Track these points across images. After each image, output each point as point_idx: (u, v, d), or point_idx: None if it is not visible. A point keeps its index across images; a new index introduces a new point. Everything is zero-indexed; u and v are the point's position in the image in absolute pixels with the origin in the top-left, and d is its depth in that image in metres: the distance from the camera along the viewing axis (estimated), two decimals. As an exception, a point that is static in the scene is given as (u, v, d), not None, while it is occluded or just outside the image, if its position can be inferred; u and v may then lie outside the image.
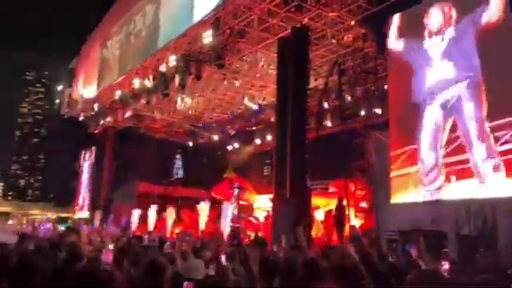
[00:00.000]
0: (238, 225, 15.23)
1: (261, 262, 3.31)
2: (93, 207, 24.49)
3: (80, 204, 27.57)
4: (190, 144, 26.09)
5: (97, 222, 21.94)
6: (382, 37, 12.14)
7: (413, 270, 3.64)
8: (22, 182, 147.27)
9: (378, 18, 12.18)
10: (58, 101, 26.78)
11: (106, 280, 1.95)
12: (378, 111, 14.83)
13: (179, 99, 20.24)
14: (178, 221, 20.85)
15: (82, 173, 27.97)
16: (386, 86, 12.83)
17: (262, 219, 18.60)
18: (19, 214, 50.34)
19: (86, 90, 22.35)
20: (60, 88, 26.46)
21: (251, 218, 18.45)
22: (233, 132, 23.22)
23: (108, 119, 21.84)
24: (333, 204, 14.68)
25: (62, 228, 26.12)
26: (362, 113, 15.80)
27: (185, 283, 3.24)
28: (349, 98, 16.05)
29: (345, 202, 13.55)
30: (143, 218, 20.62)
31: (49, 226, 19.63)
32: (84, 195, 26.81)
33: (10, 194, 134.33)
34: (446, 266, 5.71)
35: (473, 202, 8.98)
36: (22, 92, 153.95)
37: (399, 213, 11.00)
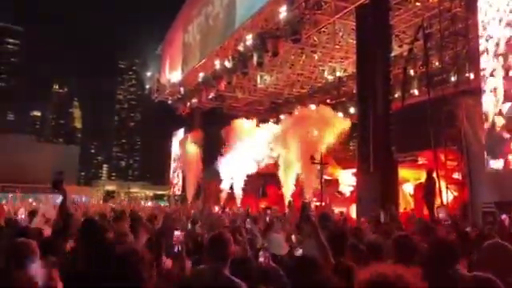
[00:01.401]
0: (307, 200, 15.24)
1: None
2: (184, 185, 26.07)
3: (174, 182, 29.58)
4: (271, 121, 26.39)
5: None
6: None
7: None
8: (123, 163, 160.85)
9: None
10: (148, 86, 28.68)
11: None
12: (469, 76, 13.69)
13: (258, 77, 20.53)
14: (263, 196, 21.47)
15: (174, 153, 29.88)
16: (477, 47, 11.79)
17: (347, 194, 18.42)
18: (122, 191, 55.42)
19: (172, 74, 23.62)
20: (149, 74, 28.26)
21: (336, 193, 18.35)
22: (314, 106, 23.00)
23: (194, 101, 22.92)
24: (423, 176, 14.05)
25: (162, 204, 28.37)
26: (452, 79, 14.70)
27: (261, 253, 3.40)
28: (436, 63, 15.02)
29: (435, 174, 12.88)
30: (231, 195, 21.52)
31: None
32: (177, 174, 28.66)
33: (114, 174, 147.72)
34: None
35: None
36: (116, 80, 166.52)
37: (496, 183, 10.25)
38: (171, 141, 30.84)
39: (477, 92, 11.01)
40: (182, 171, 26.71)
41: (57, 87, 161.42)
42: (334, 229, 3.93)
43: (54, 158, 34.61)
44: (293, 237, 4.58)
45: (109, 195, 45.54)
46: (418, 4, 13.61)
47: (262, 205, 19.26)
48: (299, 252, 3.84)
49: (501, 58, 9.81)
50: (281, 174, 17.72)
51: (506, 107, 9.59)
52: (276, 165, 18.21)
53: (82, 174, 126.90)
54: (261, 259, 3.58)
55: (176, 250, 3.46)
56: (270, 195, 20.78)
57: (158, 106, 29.69)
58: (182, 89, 22.84)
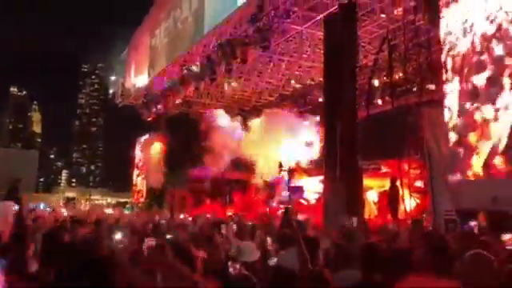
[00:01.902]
0: (289, 206, 15.30)
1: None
2: (148, 193, 25.51)
3: (137, 189, 28.87)
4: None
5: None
6: (433, 8, 11.53)
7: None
8: (84, 170, 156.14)
9: (430, -12, 11.56)
10: (112, 90, 27.97)
11: None
12: (432, 87, 14.15)
13: (226, 84, 20.44)
14: (230, 203, 21.30)
15: (138, 159, 29.19)
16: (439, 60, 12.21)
17: (312, 201, 18.56)
18: (82, 198, 53.65)
19: (138, 78, 23.13)
20: (113, 78, 27.58)
21: (302, 200, 18.45)
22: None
23: (159, 106, 22.52)
24: (386, 184, 14.34)
25: (126, 212, 27.62)
26: (415, 89, 15.14)
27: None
28: (400, 74, 15.43)
29: (398, 182, 13.17)
30: (196, 201, 21.23)
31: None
32: (140, 181, 28.00)
33: (74, 180, 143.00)
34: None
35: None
36: (78, 84, 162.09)
37: (457, 191, 10.56)
38: (135, 147, 30.15)
39: (439, 102, 11.37)
40: (146, 178, 26.14)
41: (15, 90, 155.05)
42: (309, 236, 3.89)
43: (11, 164, 33.05)
44: (269, 244, 4.50)
45: (69, 202, 43.93)
46: (382, 16, 13.96)
47: (229, 212, 19.10)
48: (273, 261, 3.76)
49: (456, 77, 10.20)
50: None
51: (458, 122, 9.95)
52: (246, 170, 18.12)
53: (41, 180, 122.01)
54: (230, 269, 3.49)
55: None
56: (237, 202, 20.65)
57: (121, 111, 28.99)
58: (147, 94, 22.39)
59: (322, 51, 14.35)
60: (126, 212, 27.90)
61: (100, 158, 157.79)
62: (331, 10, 13.07)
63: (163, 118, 25.16)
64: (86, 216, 13.01)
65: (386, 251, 3.12)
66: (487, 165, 9.18)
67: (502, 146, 8.86)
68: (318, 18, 13.77)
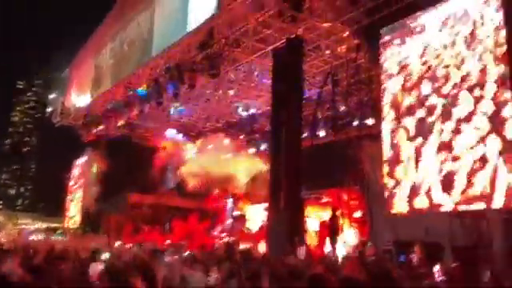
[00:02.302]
0: (233, 238, 15.07)
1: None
2: (83, 218, 24.15)
3: (70, 214, 27.19)
4: (183, 153, 25.92)
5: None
6: (374, 48, 12.24)
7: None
8: (12, 192, 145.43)
9: (371, 30, 12.30)
10: (50, 109, 26.56)
11: None
12: (371, 122, 14.88)
13: (172, 108, 20.18)
14: (169, 232, 20.65)
15: (73, 182, 27.66)
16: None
17: (255, 229, 18.46)
18: (9, 223, 49.60)
19: (79, 98, 22.21)
20: (52, 96, 26.26)
21: (244, 229, 18.30)
22: (227, 141, 23.13)
23: (100, 128, 21.66)
24: (327, 214, 14.63)
25: (56, 238, 25.84)
26: (355, 123, 15.84)
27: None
28: (342, 108, 16.10)
29: (338, 212, 13.50)
30: (135, 229, 20.38)
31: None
32: (75, 205, 26.45)
33: (1, 203, 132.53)
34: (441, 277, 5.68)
35: (468, 214, 8.96)
36: (12, 101, 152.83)
37: (394, 223, 10.98)
38: (70, 169, 28.58)
39: (377, 137, 11.92)
40: (82, 202, 24.77)
41: None
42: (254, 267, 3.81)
43: None
44: (212, 276, 4.35)
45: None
46: (327, 52, 14.59)
47: (168, 240, 18.46)
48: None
49: (391, 111, 10.83)
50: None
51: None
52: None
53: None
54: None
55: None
56: (177, 231, 20.03)
57: (58, 131, 27.54)
58: (88, 114, 21.51)
59: (269, 81, 14.63)
60: (58, 238, 26.15)
61: (31, 179, 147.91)
62: (279, 43, 13.46)
63: (103, 140, 24.20)
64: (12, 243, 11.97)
65: (333, 281, 3.11)
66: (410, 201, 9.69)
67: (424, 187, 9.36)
68: (267, 49, 14.11)
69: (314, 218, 16.12)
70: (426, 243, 8.87)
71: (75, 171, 27.55)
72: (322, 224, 15.38)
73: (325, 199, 16.60)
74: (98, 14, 21.27)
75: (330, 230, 13.65)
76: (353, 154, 14.47)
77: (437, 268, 6.20)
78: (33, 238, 25.66)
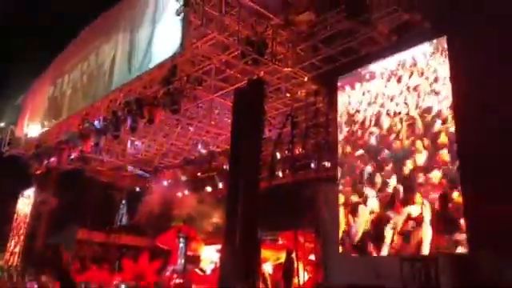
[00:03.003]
0: (184, 280, 14.55)
1: None
2: (26, 254, 22.60)
3: (11, 250, 25.38)
4: (138, 189, 25.23)
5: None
6: (332, 94, 12.72)
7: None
8: None
9: (330, 76, 12.84)
10: (-1, 138, 25.30)
11: None
12: (327, 164, 15.19)
13: (129, 142, 19.78)
14: (119, 270, 19.72)
15: (19, 216, 26.04)
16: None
17: (208, 271, 17.96)
18: None
19: (31, 128, 21.34)
20: (2, 125, 25.09)
21: (197, 270, 17.77)
22: (184, 178, 22.80)
23: (52, 160, 20.77)
24: (282, 256, 14.50)
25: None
26: (312, 165, 16.11)
27: None
28: (300, 150, 16.38)
29: (294, 254, 13.41)
30: (82, 266, 19.31)
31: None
32: (18, 240, 24.78)
33: None
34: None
35: (417, 257, 9.16)
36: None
37: (347, 266, 11.02)
38: (16, 202, 26.97)
39: (333, 180, 12.15)
40: (26, 237, 23.25)
41: None
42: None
43: None
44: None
45: None
46: (288, 95, 14.98)
47: (116, 280, 17.57)
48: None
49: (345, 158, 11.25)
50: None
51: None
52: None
53: None
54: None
55: None
56: (127, 269, 19.15)
57: (5, 161, 26.13)
58: (40, 145, 20.64)
59: (229, 120, 14.73)
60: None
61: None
62: (241, 83, 13.70)
63: (55, 173, 23.17)
64: None
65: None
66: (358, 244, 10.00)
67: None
68: (229, 89, 14.30)
69: (270, 260, 15.95)
70: (374, 287, 8.93)
71: (21, 203, 26.02)
72: (277, 267, 15.21)
73: (281, 241, 16.50)
74: (59, 41, 20.89)
75: (284, 272, 13.50)
76: (309, 196, 14.62)
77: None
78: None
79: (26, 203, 25.37)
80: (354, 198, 10.54)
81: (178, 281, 15.45)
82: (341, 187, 11.02)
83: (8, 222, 27.43)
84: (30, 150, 21.58)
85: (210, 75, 14.16)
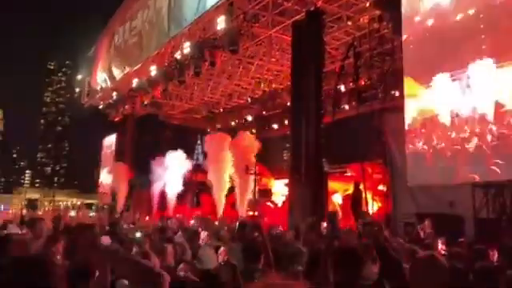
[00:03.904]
0: (257, 213, 15.32)
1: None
2: (113, 194, 24.99)
3: (103, 191, 28.24)
4: (209, 130, 26.26)
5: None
6: (397, 18, 11.88)
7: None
8: (48, 170, 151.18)
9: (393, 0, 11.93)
10: (78, 89, 27.28)
11: None
12: (395, 93, 14.59)
13: (195, 86, 20.36)
14: (197, 205, 21.19)
15: (104, 160, 28.60)
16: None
17: (280, 204, 18.71)
18: (46, 200, 51.94)
19: (105, 78, 22.65)
20: (80, 77, 26.89)
21: (269, 203, 18.57)
22: (250, 117, 23.24)
23: (127, 107, 22.14)
24: (350, 188, 14.65)
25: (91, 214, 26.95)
26: (379, 95, 15.55)
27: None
28: (365, 80, 15.82)
29: (362, 186, 13.47)
30: (162, 205, 21.00)
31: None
32: (106, 182, 27.41)
33: (38, 181, 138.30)
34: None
35: (491, 185, 8.82)
36: (44, 81, 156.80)
37: (417, 196, 10.92)
38: (101, 147, 29.51)
39: (401, 109, 11.72)
40: (113, 179, 25.60)
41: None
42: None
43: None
44: (221, 250, 4.53)
45: (31, 204, 42.44)
46: (349, 23, 14.27)
47: (195, 214, 18.98)
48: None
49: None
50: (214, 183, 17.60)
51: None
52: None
53: (2, 180, 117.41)
54: (180, 273, 3.52)
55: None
56: (204, 204, 20.54)
57: (88, 111, 28.32)
58: (114, 94, 21.97)
59: (290, 55, 14.51)
60: (92, 214, 27.30)
61: (66, 158, 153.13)
62: (299, 15, 13.25)
63: (131, 119, 24.76)
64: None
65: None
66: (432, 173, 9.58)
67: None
68: (287, 23, 13.92)
69: (339, 192, 16.19)
70: (447, 216, 8.81)
71: (105, 149, 28.42)
72: (346, 197, 15.43)
73: (349, 173, 16.57)
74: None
75: (353, 203, 13.69)
76: (376, 126, 14.31)
77: (440, 241, 6.15)
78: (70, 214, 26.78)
79: (108, 149, 27.65)
80: (428, 123, 9.97)
81: (250, 213, 16.34)
82: (411, 114, 10.49)
83: (97, 166, 30.31)
84: (107, 99, 23.10)
85: (266, 10, 13.84)
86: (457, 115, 9.28)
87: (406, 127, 10.54)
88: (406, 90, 10.87)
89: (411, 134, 10.28)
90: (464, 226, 8.96)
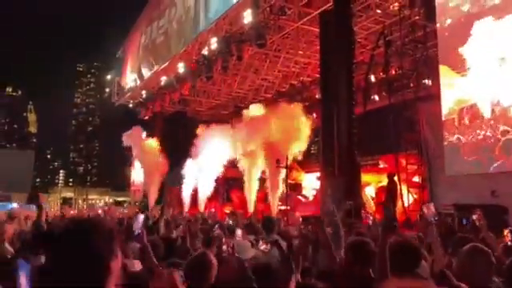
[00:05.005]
0: (288, 206, 15.24)
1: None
2: (145, 191, 25.40)
3: (134, 189, 28.76)
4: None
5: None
6: (429, 3, 11.51)
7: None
8: (81, 169, 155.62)
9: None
10: (108, 90, 27.84)
11: None
12: (428, 82, 14.17)
13: (222, 82, 20.40)
14: (228, 201, 21.28)
15: (134, 158, 29.04)
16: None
17: (311, 197, 18.57)
18: (80, 198, 53.49)
19: (134, 77, 23.01)
20: (109, 77, 27.43)
21: (300, 197, 18.46)
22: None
23: (156, 105, 22.43)
24: (384, 180, 14.36)
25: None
26: (411, 84, 15.14)
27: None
28: (396, 70, 15.44)
29: (396, 178, 13.18)
30: (193, 199, 21.19)
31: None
32: (137, 180, 27.87)
33: (71, 180, 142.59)
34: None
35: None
36: (74, 83, 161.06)
37: (455, 186, 10.58)
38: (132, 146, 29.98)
39: (436, 98, 11.37)
40: (144, 176, 26.02)
41: (10, 90, 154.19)
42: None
43: (6, 164, 32.91)
44: (260, 244, 4.51)
45: (66, 202, 43.80)
46: (378, 11, 13.93)
47: (227, 210, 19.07)
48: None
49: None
50: (245, 177, 17.55)
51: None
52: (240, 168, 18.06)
53: (38, 180, 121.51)
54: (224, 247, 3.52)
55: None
56: (235, 200, 20.62)
57: (118, 110, 28.87)
58: (143, 92, 22.29)
59: (318, 47, 14.30)
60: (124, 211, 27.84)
61: (97, 157, 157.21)
62: (327, 6, 13.02)
63: (160, 117, 25.07)
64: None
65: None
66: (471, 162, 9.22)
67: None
68: (314, 14, 13.71)
69: (372, 184, 15.91)
70: (489, 206, 8.48)
71: (134, 148, 28.87)
72: (380, 190, 15.15)
73: (382, 165, 16.25)
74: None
75: (388, 196, 13.41)
76: (409, 117, 13.96)
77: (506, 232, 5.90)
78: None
79: (139, 148, 28.04)
80: (466, 111, 9.61)
81: (282, 207, 16.27)
82: (447, 102, 10.13)
83: (128, 164, 30.83)
84: (136, 98, 23.46)
85: (293, 2, 13.68)
86: (497, 104, 8.93)
87: (443, 118, 10.24)
88: (442, 79, 10.54)
89: (449, 123, 9.97)
90: (508, 215, 8.61)
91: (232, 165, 19.52)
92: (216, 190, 20.68)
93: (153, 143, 23.90)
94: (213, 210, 16.82)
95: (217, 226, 6.85)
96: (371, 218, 10.74)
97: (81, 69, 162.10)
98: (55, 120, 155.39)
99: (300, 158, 16.42)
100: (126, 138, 24.35)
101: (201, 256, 2.80)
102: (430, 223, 3.08)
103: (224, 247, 3.48)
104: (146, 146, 24.04)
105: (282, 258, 2.83)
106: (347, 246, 3.12)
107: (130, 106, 24.49)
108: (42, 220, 4.40)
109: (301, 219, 11.79)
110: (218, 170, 19.49)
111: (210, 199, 21.02)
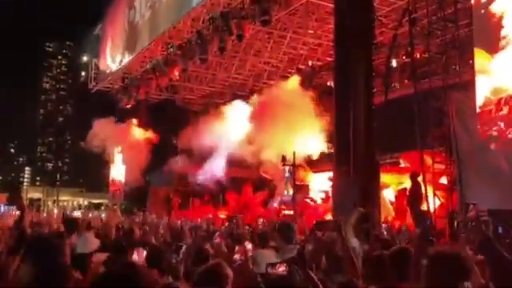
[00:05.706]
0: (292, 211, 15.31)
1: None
2: (126, 192, 25.44)
3: (113, 189, 28.76)
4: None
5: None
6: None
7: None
8: (50, 166, 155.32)
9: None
10: (83, 74, 27.78)
11: None
12: (459, 68, 14.17)
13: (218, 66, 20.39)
14: (223, 204, 21.35)
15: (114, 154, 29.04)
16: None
17: (319, 201, 18.64)
18: (49, 200, 53.42)
19: (115, 59, 22.94)
20: (85, 59, 27.36)
21: (307, 200, 18.52)
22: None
23: (140, 91, 22.38)
24: (405, 181, 14.38)
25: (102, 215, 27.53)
26: (439, 70, 15.15)
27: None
28: (422, 53, 15.46)
29: (420, 179, 13.21)
30: (184, 203, 21.26)
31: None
32: (117, 179, 27.87)
33: (39, 179, 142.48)
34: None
35: None
36: (42, 66, 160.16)
37: (490, 189, 10.60)
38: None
39: (468, 86, 11.38)
40: (125, 175, 26.06)
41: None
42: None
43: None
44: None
45: (33, 204, 43.69)
46: (402, -16, 13.94)
47: (222, 214, 19.13)
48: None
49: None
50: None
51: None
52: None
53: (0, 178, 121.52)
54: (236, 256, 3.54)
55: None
56: (231, 203, 20.67)
57: (94, 98, 28.83)
58: (126, 76, 22.25)
59: (331, 26, 14.27)
60: (101, 215, 27.85)
61: (69, 152, 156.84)
62: (342, -23, 12.99)
63: (145, 106, 25.05)
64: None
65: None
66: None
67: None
68: (327, -14, 13.71)
69: (391, 186, 15.96)
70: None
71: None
72: (401, 193, 15.19)
73: (403, 164, 16.30)
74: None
75: (410, 199, 13.45)
76: (437, 108, 13.96)
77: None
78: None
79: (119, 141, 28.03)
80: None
81: (287, 212, 16.33)
82: (483, 91, 10.12)
83: (106, 161, 30.80)
84: (117, 83, 23.41)
85: (303, -28, 13.67)
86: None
87: (478, 109, 10.25)
88: (477, 65, 10.55)
89: (484, 116, 9.98)
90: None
91: (230, 163, 19.58)
92: (210, 191, 20.74)
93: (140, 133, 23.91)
94: (210, 215, 16.86)
95: (217, 234, 6.85)
96: (384, 226, 10.80)
97: (50, 49, 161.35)
98: (19, 109, 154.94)
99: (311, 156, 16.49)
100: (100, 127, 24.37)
101: (214, 266, 2.82)
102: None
103: (236, 256, 3.45)
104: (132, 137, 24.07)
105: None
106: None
107: (110, 92, 24.43)
108: (24, 225, 4.40)
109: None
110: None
111: (202, 202, 21.09)
